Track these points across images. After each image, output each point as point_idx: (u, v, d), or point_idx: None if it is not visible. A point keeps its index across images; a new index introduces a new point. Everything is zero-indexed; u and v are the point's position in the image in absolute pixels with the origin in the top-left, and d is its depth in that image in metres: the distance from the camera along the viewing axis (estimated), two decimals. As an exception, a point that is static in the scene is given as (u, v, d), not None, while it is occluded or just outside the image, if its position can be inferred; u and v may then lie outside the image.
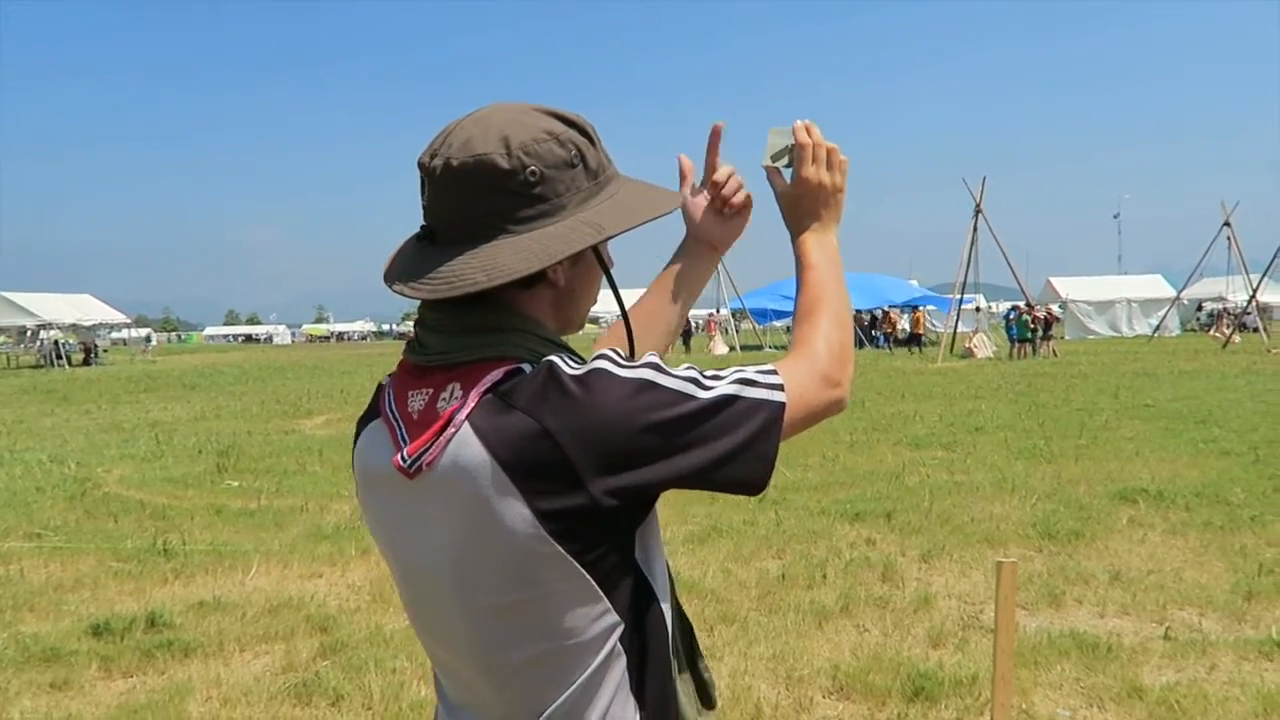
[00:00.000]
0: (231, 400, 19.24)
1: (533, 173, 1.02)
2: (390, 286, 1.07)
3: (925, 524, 6.73)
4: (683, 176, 1.36)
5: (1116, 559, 5.79)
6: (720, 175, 1.33)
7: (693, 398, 0.98)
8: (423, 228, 1.09)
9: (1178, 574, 5.46)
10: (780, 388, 1.03)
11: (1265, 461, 8.72)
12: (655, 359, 1.02)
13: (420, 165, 1.05)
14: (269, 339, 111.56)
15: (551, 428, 0.95)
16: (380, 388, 1.14)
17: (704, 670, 1.17)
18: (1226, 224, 34.36)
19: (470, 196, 1.03)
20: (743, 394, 1.01)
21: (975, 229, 28.88)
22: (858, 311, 32.94)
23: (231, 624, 4.99)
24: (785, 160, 1.27)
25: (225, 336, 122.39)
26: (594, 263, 1.12)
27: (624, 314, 1.20)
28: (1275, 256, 30.52)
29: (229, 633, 4.84)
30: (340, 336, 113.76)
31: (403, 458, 1.03)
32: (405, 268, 1.07)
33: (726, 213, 1.36)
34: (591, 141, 1.08)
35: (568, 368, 0.98)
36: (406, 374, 1.09)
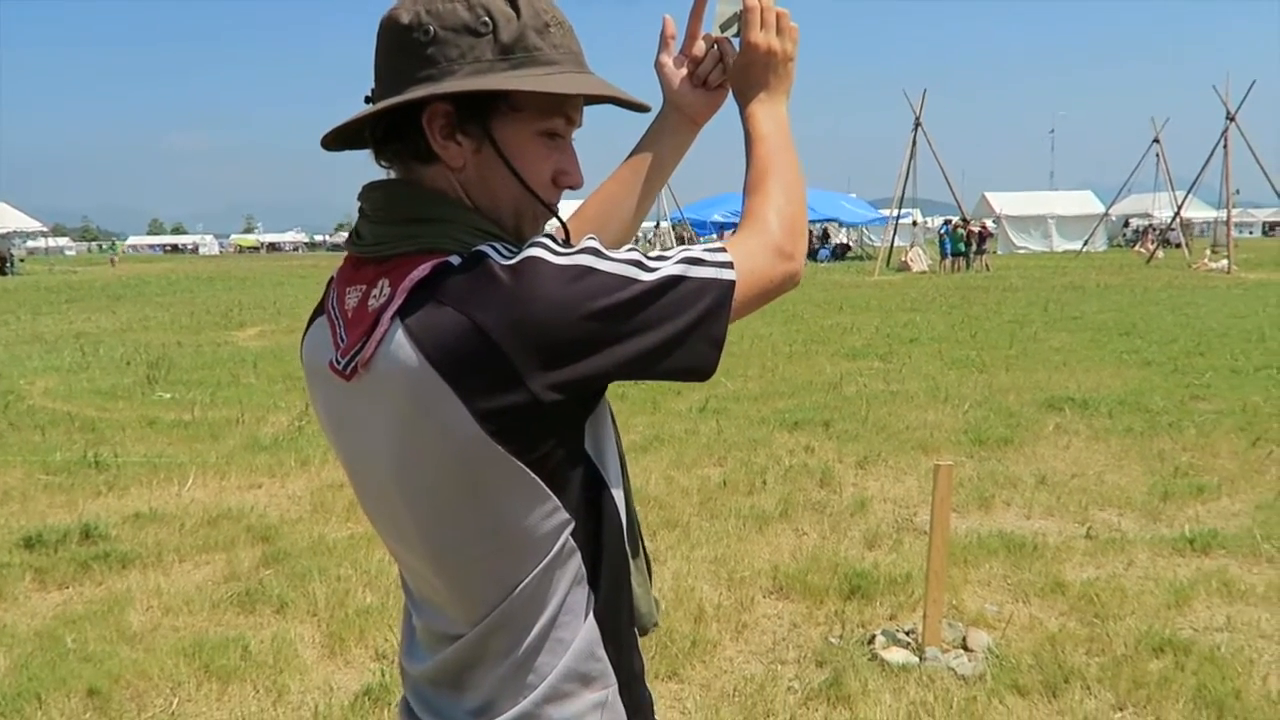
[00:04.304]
0: (159, 311, 18.67)
1: (426, 30, 0.97)
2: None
3: (862, 432, 6.90)
4: (663, 41, 1.27)
5: (1043, 463, 6.02)
6: (699, 49, 1.25)
7: (635, 281, 0.93)
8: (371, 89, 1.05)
9: (1099, 477, 5.70)
10: (729, 265, 0.98)
11: (1183, 371, 9.09)
12: (595, 243, 0.96)
13: None
14: (195, 249, 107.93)
15: (483, 323, 0.90)
16: (330, 280, 1.10)
17: (644, 551, 1.17)
18: (1156, 141, 35.01)
19: (383, 54, 1.02)
20: (689, 274, 0.96)
21: (914, 143, 28.97)
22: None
23: (169, 535, 4.92)
24: (734, 29, 1.19)
25: (150, 247, 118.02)
26: (512, 149, 1.01)
27: (537, 197, 1.05)
28: (1200, 173, 31.25)
29: (167, 544, 4.78)
30: (271, 247, 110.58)
31: (335, 360, 1.00)
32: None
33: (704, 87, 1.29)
34: (518, 15, 0.98)
35: (499, 258, 0.93)
36: (348, 267, 1.06)
